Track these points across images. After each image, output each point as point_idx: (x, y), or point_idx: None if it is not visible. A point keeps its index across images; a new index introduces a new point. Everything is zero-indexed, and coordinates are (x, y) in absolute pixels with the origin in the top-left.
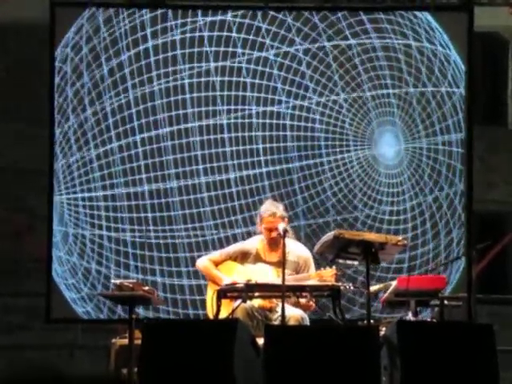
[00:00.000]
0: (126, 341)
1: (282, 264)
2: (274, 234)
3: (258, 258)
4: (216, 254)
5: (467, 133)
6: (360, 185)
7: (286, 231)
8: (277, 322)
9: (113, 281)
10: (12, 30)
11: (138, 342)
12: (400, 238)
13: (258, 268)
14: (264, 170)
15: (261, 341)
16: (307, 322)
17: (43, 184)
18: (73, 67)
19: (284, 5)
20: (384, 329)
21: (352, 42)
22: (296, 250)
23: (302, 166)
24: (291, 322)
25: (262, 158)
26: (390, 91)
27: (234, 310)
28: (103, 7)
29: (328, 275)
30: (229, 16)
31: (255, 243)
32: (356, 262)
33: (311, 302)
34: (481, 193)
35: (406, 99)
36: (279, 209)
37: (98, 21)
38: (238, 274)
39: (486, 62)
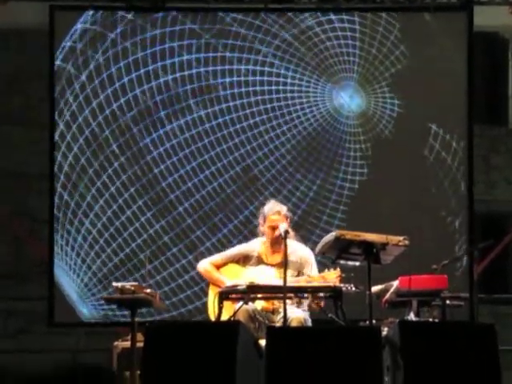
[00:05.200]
0: (128, 343)
1: (284, 265)
2: (277, 233)
3: (259, 261)
4: (217, 257)
5: (468, 132)
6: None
7: (287, 232)
8: (279, 324)
9: (114, 284)
10: (12, 34)
11: (141, 344)
12: (401, 238)
13: (260, 270)
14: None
15: (263, 342)
16: (309, 324)
17: (44, 187)
18: (73, 70)
19: (284, 6)
20: (386, 329)
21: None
22: (298, 250)
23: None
24: (293, 324)
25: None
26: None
27: (235, 313)
28: (103, 10)
29: (332, 277)
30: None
31: (256, 246)
32: (357, 263)
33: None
34: (482, 192)
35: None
36: (283, 208)
37: (98, 24)
38: (240, 277)
39: (486, 62)
